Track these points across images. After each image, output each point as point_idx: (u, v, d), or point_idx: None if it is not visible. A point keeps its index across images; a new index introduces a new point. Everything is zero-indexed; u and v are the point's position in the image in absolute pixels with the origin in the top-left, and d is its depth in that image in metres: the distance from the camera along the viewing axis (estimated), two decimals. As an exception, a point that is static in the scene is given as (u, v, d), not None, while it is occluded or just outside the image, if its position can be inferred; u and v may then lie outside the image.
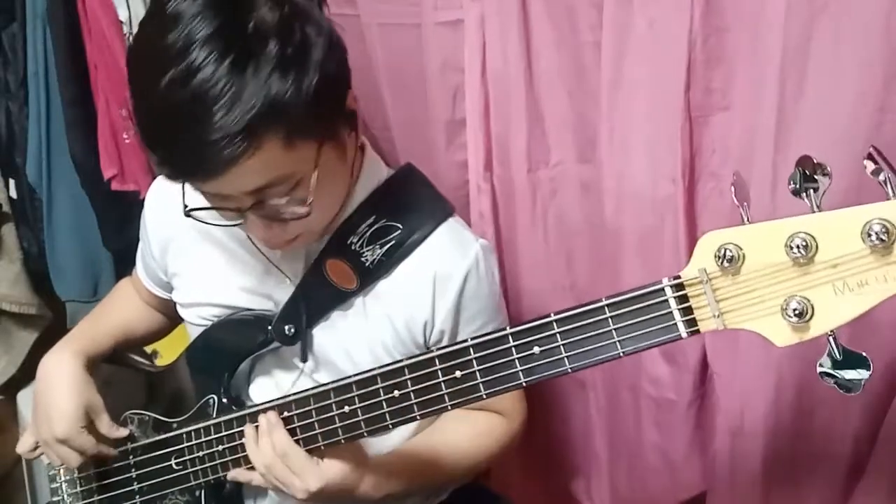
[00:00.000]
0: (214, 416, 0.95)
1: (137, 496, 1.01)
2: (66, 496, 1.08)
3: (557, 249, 1.24)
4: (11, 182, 1.68)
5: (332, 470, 0.84)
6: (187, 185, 0.82)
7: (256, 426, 0.87)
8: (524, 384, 0.72)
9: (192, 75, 0.71)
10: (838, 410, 1.04)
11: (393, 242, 0.93)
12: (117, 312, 1.14)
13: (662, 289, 0.65)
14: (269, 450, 0.84)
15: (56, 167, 1.62)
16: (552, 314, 0.69)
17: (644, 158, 1.08)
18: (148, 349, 1.28)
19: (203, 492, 0.99)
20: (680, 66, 1.01)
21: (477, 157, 1.24)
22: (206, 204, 0.84)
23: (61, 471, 1.08)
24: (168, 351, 1.24)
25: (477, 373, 0.73)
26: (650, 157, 1.08)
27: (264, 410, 0.88)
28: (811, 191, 0.60)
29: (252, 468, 0.88)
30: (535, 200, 1.22)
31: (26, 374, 1.71)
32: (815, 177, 0.60)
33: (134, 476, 1.01)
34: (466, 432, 1.00)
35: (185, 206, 0.84)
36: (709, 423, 1.19)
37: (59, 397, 0.97)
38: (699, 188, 1.08)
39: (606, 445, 1.31)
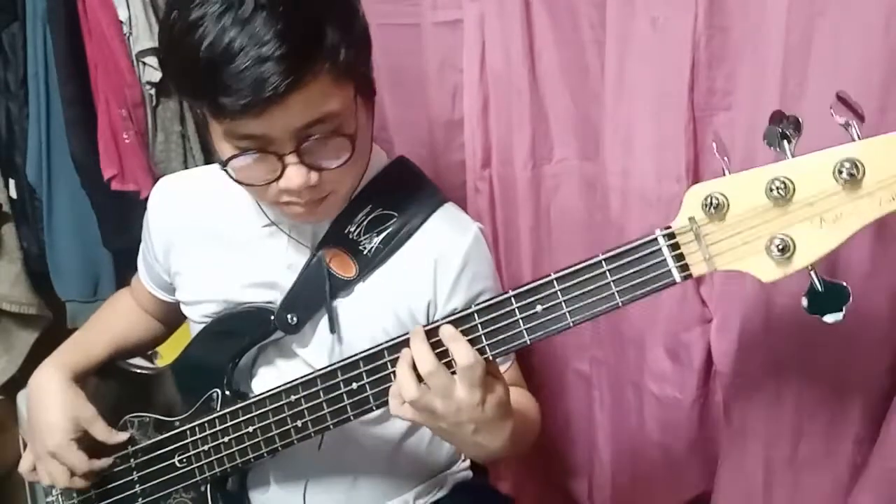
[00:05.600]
0: (219, 409, 0.96)
1: (140, 498, 1.01)
2: None
3: (560, 243, 1.25)
4: (11, 182, 1.67)
5: (503, 385, 0.80)
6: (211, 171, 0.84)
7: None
8: (528, 342, 0.75)
9: (245, 9, 0.75)
10: (839, 411, 1.04)
11: (389, 230, 0.94)
12: (113, 321, 1.15)
13: (655, 239, 0.70)
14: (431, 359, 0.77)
15: (56, 167, 1.62)
16: (552, 273, 0.73)
17: (649, 157, 1.09)
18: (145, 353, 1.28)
19: (209, 487, 0.99)
20: (683, 65, 1.02)
21: (474, 157, 1.24)
22: (238, 176, 0.84)
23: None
24: (168, 352, 1.24)
25: (482, 336, 0.77)
26: (655, 155, 1.08)
27: (272, 397, 0.89)
28: (786, 142, 0.66)
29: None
30: (539, 196, 1.23)
31: (26, 374, 1.70)
32: (788, 132, 0.66)
33: (136, 479, 1.01)
34: (526, 397, 1.01)
35: (221, 161, 0.83)
36: (712, 421, 1.19)
37: (48, 412, 0.98)
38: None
39: (609, 444, 1.31)
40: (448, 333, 0.77)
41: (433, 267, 0.94)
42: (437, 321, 0.78)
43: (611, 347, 1.24)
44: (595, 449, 1.34)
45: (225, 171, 0.84)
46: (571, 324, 0.74)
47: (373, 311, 0.96)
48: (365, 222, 0.95)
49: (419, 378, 0.77)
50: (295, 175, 0.82)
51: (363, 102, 0.86)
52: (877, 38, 0.88)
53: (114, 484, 1.03)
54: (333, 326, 0.94)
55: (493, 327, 0.76)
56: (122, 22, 1.49)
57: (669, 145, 1.06)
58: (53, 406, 0.98)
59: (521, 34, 1.13)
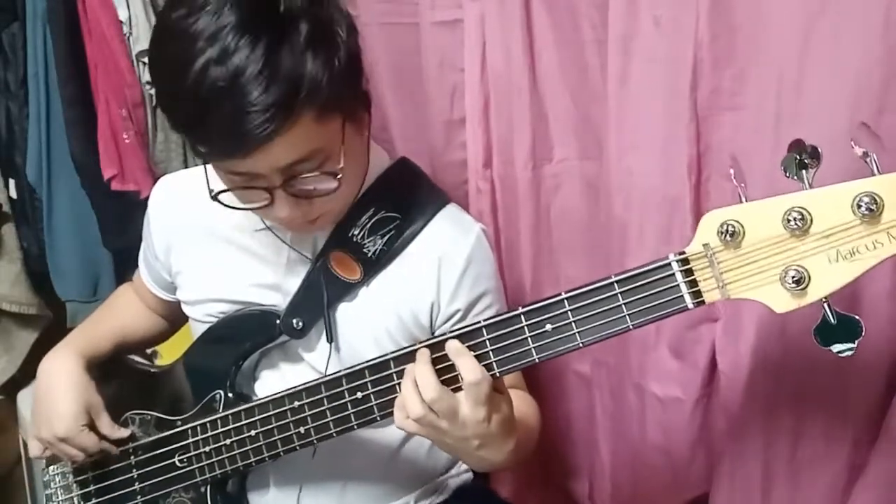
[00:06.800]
0: (221, 411, 0.96)
1: (139, 496, 1.01)
2: (61, 502, 1.08)
3: (560, 245, 1.24)
4: (11, 182, 1.68)
5: (508, 402, 0.80)
6: (210, 172, 0.85)
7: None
8: (537, 360, 0.75)
9: (227, 58, 0.74)
10: (839, 412, 1.04)
11: (393, 233, 0.95)
12: (117, 316, 1.15)
13: (669, 263, 0.69)
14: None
15: (56, 167, 1.62)
16: (563, 292, 0.73)
17: (652, 157, 1.08)
18: (148, 350, 1.28)
19: (208, 488, 0.99)
20: (686, 65, 1.01)
21: (476, 157, 1.24)
22: (230, 190, 0.85)
23: (57, 477, 1.08)
24: (168, 351, 1.24)
25: (490, 352, 0.76)
26: (658, 155, 1.08)
27: (275, 402, 0.89)
28: (804, 171, 0.65)
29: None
30: (539, 196, 1.22)
31: (26, 374, 1.71)
32: (806, 160, 0.65)
33: (135, 476, 1.01)
34: (527, 404, 1.00)
35: (211, 191, 0.85)
36: (713, 422, 1.19)
37: (59, 398, 0.98)
38: (706, 187, 1.08)
39: (610, 445, 1.31)
40: (454, 348, 0.77)
41: (436, 268, 0.94)
42: (445, 335, 0.78)
43: (612, 348, 1.24)
44: (596, 450, 1.34)
45: (216, 200, 0.85)
46: (581, 344, 0.73)
47: (376, 313, 0.96)
48: (368, 225, 0.95)
49: None
50: (283, 206, 0.83)
51: (353, 127, 0.86)
52: (876, 38, 0.87)
53: (113, 480, 1.03)
54: (330, 335, 0.95)
55: (501, 344, 0.76)
56: (122, 22, 1.49)
57: (673, 144, 1.06)
58: (65, 392, 0.98)
59: (521, 34, 1.13)
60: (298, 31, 0.76)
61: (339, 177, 0.82)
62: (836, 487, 1.07)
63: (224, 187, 0.85)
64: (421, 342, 0.80)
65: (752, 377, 1.09)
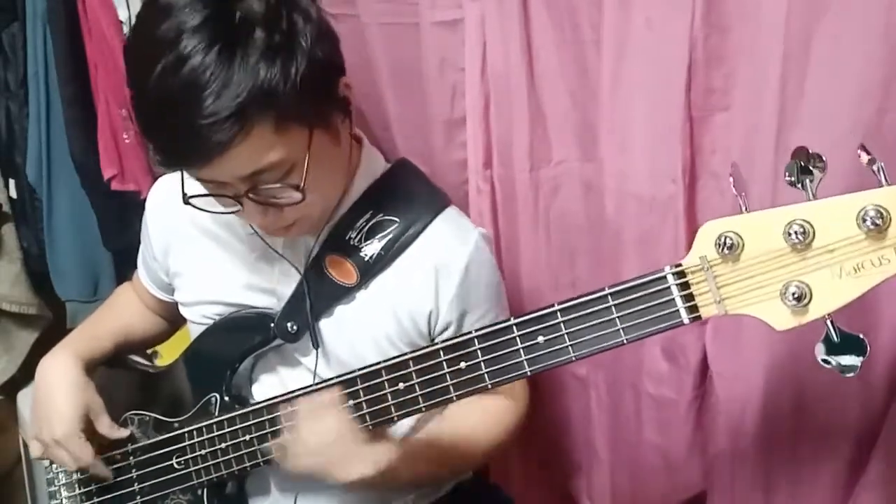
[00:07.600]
0: (217, 414, 0.96)
1: (138, 496, 1.01)
2: (64, 500, 1.08)
3: (559, 247, 1.24)
4: (11, 182, 1.68)
5: (384, 454, 0.81)
6: (186, 176, 0.85)
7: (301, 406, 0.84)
8: (529, 373, 0.74)
9: (182, 63, 0.74)
10: (839, 411, 1.04)
11: (391, 236, 0.94)
12: (117, 316, 1.15)
13: (664, 276, 0.67)
14: (323, 430, 0.80)
15: (56, 167, 1.62)
16: (556, 304, 0.72)
17: (644, 158, 1.08)
18: (148, 350, 1.28)
19: (205, 490, 0.99)
20: (681, 65, 1.01)
21: (476, 157, 1.24)
22: (203, 192, 0.86)
23: (60, 475, 1.08)
24: (168, 351, 1.24)
25: (482, 363, 0.75)
26: (650, 156, 1.08)
27: (267, 407, 0.89)
28: (807, 180, 0.62)
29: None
30: (538, 199, 1.22)
31: (26, 374, 1.71)
32: (810, 167, 0.62)
33: (135, 476, 1.01)
34: (480, 419, 0.99)
35: (184, 195, 0.85)
36: (709, 422, 1.19)
37: (58, 399, 0.98)
38: (699, 188, 1.08)
39: (607, 444, 1.31)
40: (323, 402, 0.81)
41: (434, 276, 0.94)
42: (406, 354, 0.80)
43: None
44: (594, 450, 1.34)
45: (188, 203, 0.86)
46: (574, 358, 0.72)
47: (375, 317, 0.96)
48: (366, 228, 0.94)
49: None
50: (252, 212, 0.84)
51: (325, 135, 0.85)
52: (876, 38, 0.87)
53: (113, 480, 1.03)
54: (315, 341, 0.94)
55: (492, 355, 0.75)
56: (122, 22, 1.49)
57: (665, 145, 1.06)
58: (64, 394, 0.98)
59: (519, 35, 1.13)
60: (253, 38, 0.76)
61: (302, 188, 0.81)
62: (837, 487, 1.07)
63: (197, 191, 0.85)
64: (409, 354, 0.80)
65: (748, 378, 1.09)
